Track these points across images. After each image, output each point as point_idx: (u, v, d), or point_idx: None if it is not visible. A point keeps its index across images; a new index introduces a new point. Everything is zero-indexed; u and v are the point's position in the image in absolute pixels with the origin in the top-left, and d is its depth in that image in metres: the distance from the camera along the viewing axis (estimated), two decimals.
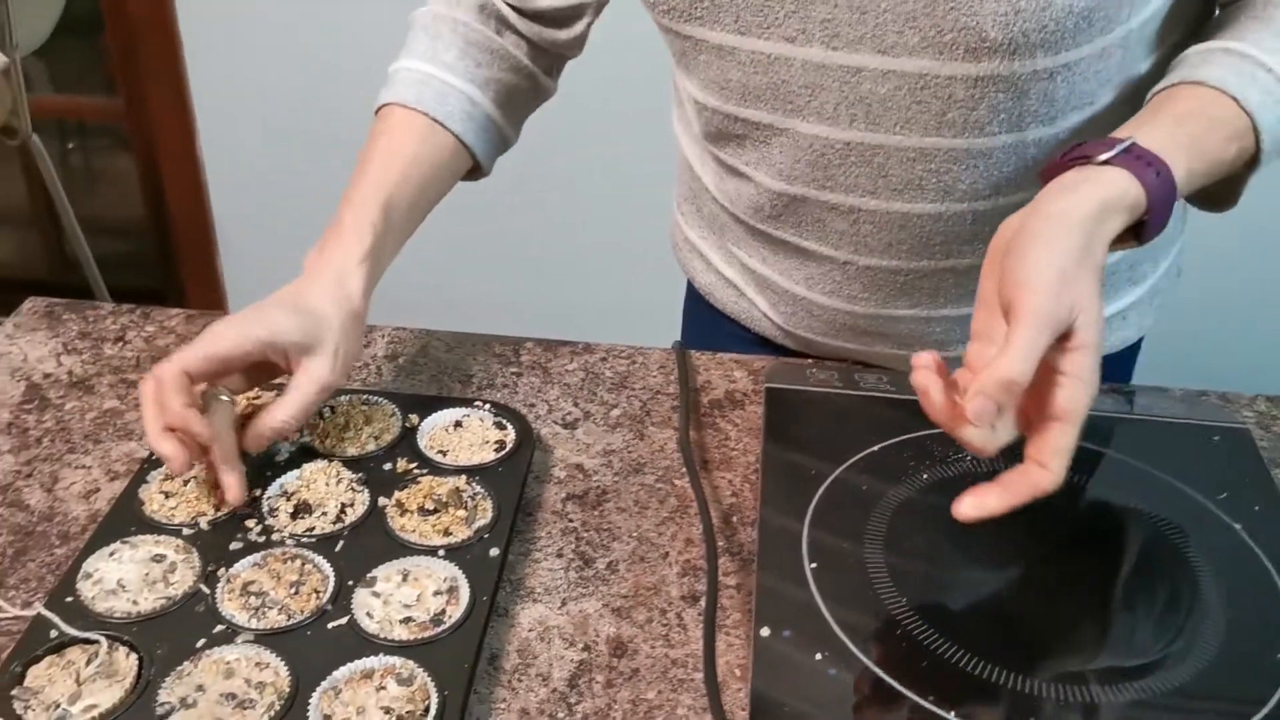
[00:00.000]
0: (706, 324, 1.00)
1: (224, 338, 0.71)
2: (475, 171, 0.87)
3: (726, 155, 0.84)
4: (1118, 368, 0.92)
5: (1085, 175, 0.62)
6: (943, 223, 0.78)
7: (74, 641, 0.62)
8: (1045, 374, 0.58)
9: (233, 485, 0.71)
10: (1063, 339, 0.58)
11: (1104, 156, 0.62)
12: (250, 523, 0.71)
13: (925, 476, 0.74)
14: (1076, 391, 0.58)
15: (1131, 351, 0.93)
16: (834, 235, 0.82)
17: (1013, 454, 0.60)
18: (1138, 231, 0.63)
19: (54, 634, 0.62)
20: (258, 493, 0.73)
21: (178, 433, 0.68)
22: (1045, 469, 0.58)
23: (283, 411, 0.72)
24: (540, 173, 1.81)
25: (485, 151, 0.86)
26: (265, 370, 0.74)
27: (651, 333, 1.00)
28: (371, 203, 0.77)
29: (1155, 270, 0.89)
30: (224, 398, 0.72)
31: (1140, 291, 0.89)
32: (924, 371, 0.60)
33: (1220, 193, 0.71)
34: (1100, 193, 0.61)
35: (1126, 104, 0.74)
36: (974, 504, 0.59)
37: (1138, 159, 0.62)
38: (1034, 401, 0.59)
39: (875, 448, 0.76)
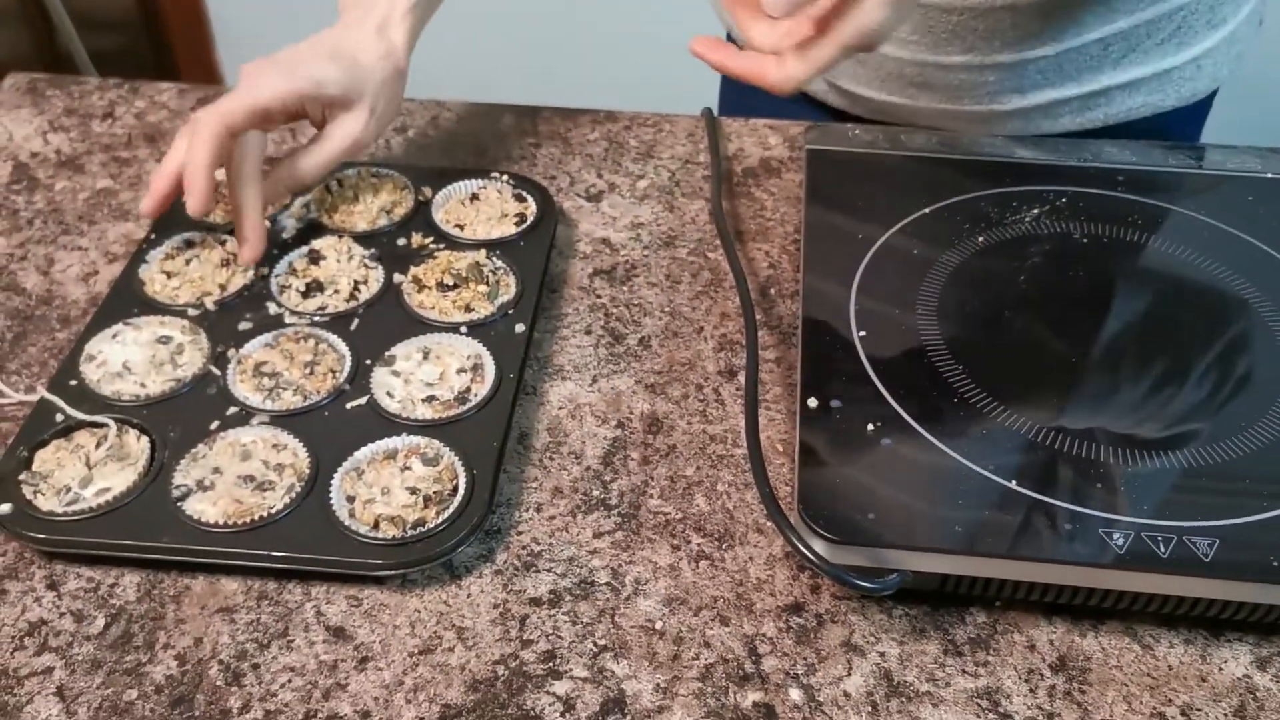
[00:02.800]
0: (744, 85, 0.93)
1: (267, 89, 0.65)
2: None
3: None
4: (1187, 123, 0.85)
5: None
6: None
7: (81, 425, 0.59)
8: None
9: (251, 241, 0.66)
10: None
11: None
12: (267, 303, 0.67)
13: (980, 240, 0.68)
14: (855, 14, 0.55)
15: (1203, 106, 0.85)
16: None
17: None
18: None
19: (59, 418, 0.59)
20: (265, 271, 0.69)
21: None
22: (782, 64, 0.58)
23: (310, 160, 0.67)
24: None
25: None
26: (292, 118, 0.69)
27: (683, 101, 0.92)
28: None
29: (1237, 14, 0.81)
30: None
31: (1218, 37, 0.81)
32: None
33: None
34: None
35: None
36: (708, 45, 0.61)
37: None
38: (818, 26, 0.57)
39: (926, 210, 0.70)
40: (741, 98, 0.94)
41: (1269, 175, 0.74)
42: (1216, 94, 0.86)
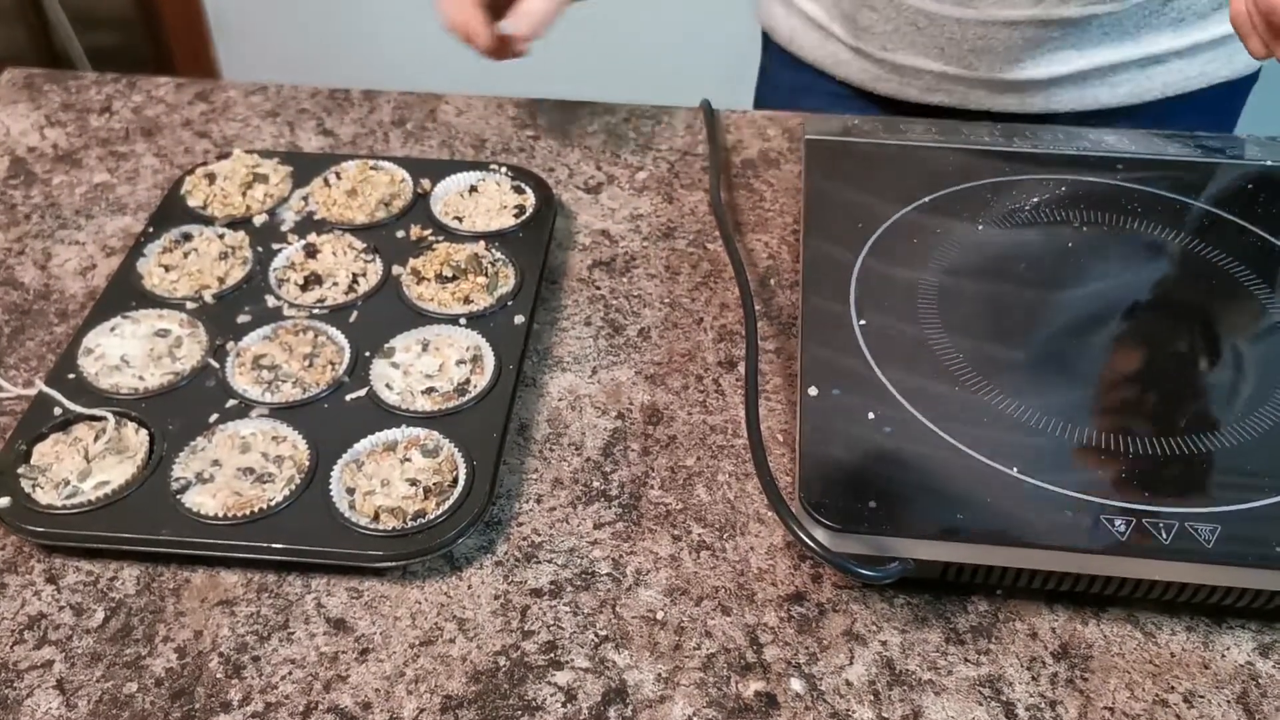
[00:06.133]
0: (784, 82, 0.94)
1: None
2: None
3: None
4: (1225, 102, 0.85)
5: None
6: None
7: (80, 418, 0.59)
8: None
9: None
10: None
11: None
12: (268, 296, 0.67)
13: (980, 228, 0.68)
14: None
15: (1242, 87, 0.85)
16: None
17: None
18: None
19: (58, 412, 0.59)
20: (259, 267, 0.68)
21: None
22: None
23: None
24: None
25: None
26: None
27: (681, 93, 0.92)
28: None
29: None
30: None
31: None
32: None
33: None
34: None
35: None
36: None
37: None
38: None
39: (925, 199, 0.70)
40: (775, 94, 0.95)
41: (1269, 163, 0.73)
42: (1259, 75, 0.85)
